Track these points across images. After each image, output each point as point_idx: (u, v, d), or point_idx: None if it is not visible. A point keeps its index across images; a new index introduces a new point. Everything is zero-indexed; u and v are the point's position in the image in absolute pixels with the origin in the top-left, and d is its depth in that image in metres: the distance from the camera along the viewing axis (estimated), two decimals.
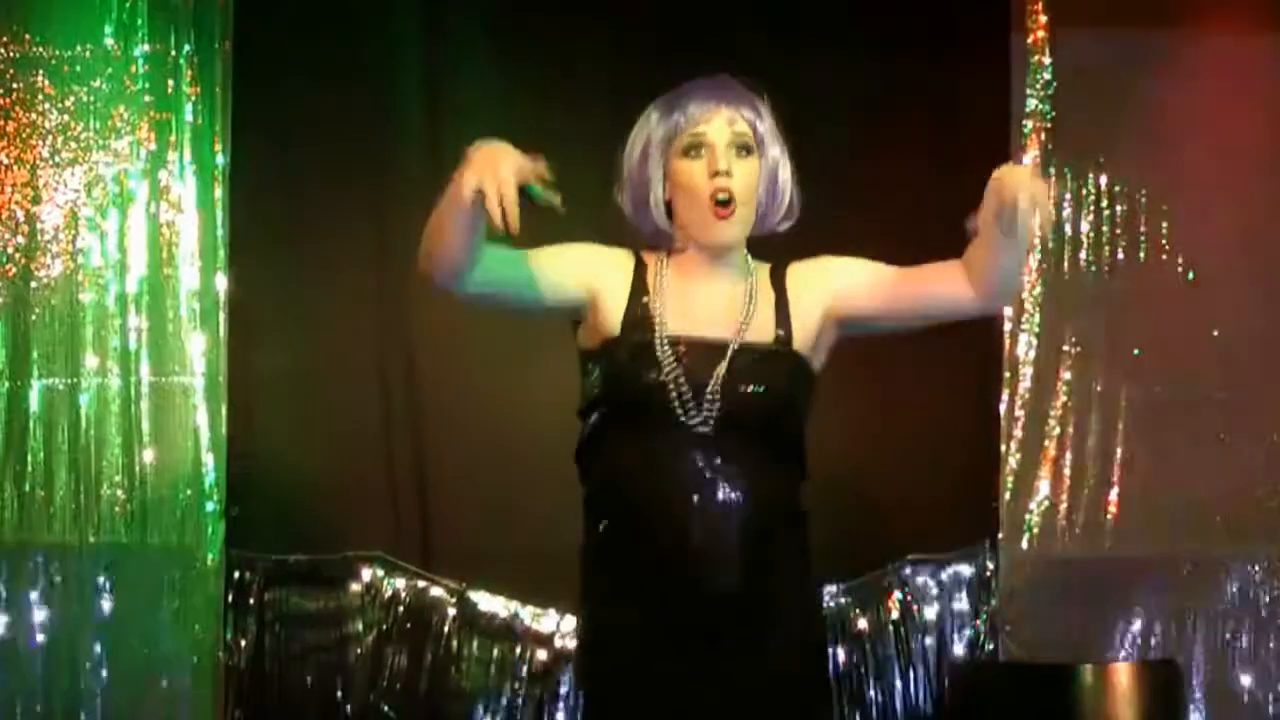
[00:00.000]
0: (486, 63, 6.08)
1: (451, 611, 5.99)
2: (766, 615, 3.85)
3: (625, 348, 3.84)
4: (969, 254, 3.83)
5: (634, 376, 3.81)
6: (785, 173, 3.94)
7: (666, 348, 3.81)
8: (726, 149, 3.82)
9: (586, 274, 3.92)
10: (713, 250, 3.87)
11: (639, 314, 3.87)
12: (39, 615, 5.82)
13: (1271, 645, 6.22)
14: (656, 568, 3.79)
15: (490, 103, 6.02)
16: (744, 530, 3.80)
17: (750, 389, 3.81)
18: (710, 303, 3.88)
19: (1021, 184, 3.59)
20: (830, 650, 6.03)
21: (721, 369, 3.80)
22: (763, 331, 3.88)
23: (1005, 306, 4.26)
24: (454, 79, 6.07)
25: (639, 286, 3.91)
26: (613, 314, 3.87)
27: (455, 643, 5.98)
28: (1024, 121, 6.16)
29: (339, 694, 5.95)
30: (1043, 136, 6.17)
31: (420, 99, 6.07)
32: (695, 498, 3.78)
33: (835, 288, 3.95)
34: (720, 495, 3.78)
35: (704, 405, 3.78)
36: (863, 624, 6.11)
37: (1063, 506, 6.17)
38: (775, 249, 4.00)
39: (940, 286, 3.92)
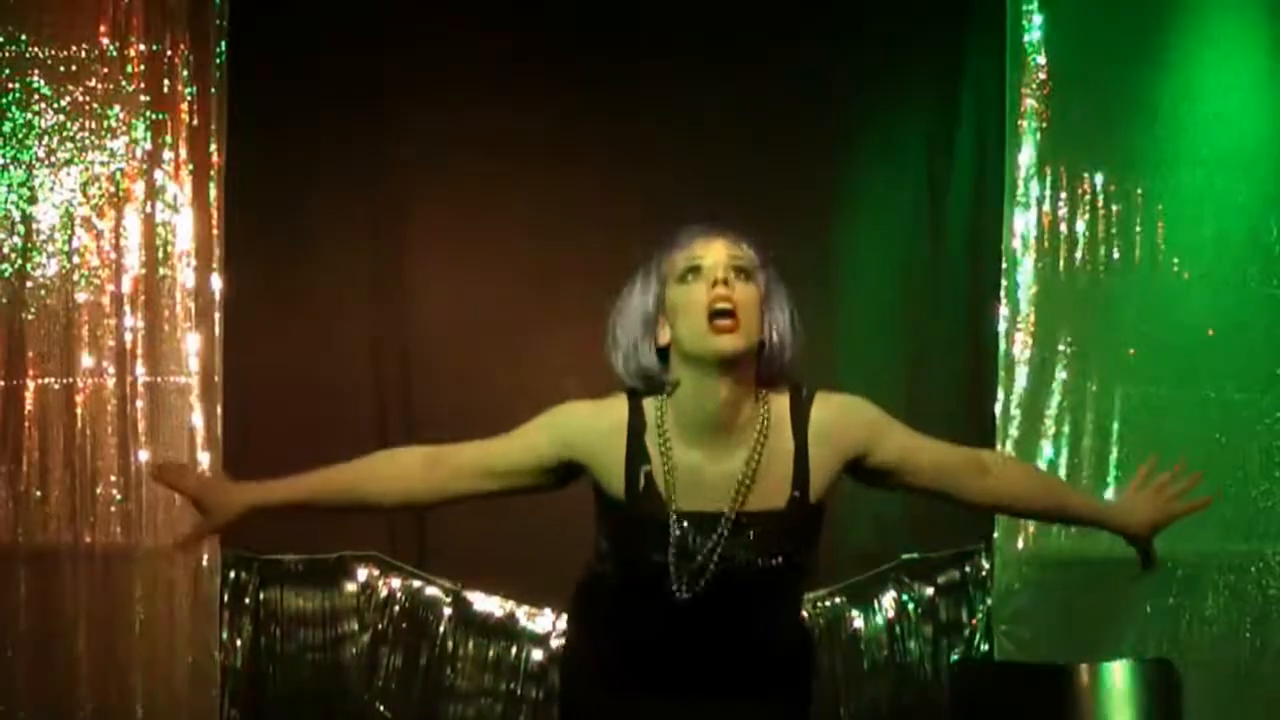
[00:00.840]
0: (483, 62, 6.11)
1: (447, 611, 6.05)
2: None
3: (632, 523, 3.72)
4: (1041, 486, 4.08)
5: (640, 553, 3.69)
6: (784, 321, 3.76)
7: (673, 524, 3.67)
8: (725, 269, 3.68)
9: (568, 448, 3.77)
10: (714, 377, 3.67)
11: (642, 483, 3.71)
12: (36, 615, 5.83)
13: (1264, 641, 6.18)
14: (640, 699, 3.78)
15: (484, 104, 6.08)
16: (735, 685, 3.77)
17: (759, 561, 3.69)
18: (717, 464, 3.71)
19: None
20: (822, 653, 6.04)
21: (728, 540, 3.67)
22: (776, 493, 3.70)
23: None
24: (447, 79, 6.11)
25: (636, 444, 3.74)
26: (613, 477, 3.74)
27: (451, 642, 6.03)
28: (1020, 121, 6.13)
29: (334, 693, 6.01)
30: (1038, 135, 6.14)
31: (415, 99, 6.12)
32: (682, 659, 3.73)
33: (863, 447, 3.81)
34: (711, 656, 3.73)
35: (703, 578, 3.67)
36: (858, 624, 6.16)
37: None
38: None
39: (956, 479, 3.86)
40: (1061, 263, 6.16)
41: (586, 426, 3.75)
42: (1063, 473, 6.11)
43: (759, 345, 3.69)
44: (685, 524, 3.65)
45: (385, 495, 3.80)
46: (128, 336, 5.86)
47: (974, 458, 3.87)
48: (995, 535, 6.11)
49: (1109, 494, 6.09)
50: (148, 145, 5.87)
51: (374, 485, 3.81)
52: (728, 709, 3.77)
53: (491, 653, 5.99)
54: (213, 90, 5.88)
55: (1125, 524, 3.97)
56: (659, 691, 3.77)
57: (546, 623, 5.94)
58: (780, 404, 3.72)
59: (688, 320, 3.66)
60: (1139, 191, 6.19)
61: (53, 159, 5.85)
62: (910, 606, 6.19)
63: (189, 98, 5.88)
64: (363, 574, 6.04)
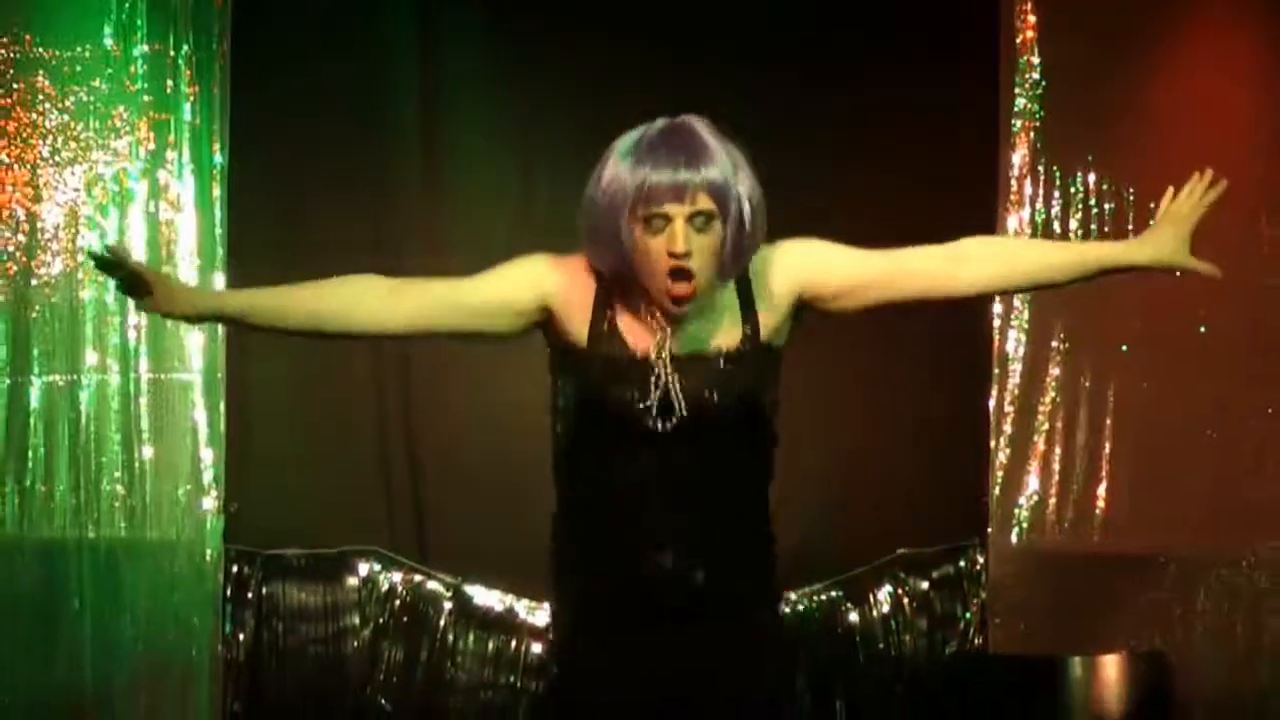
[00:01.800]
0: (481, 63, 6.14)
1: (448, 605, 6.08)
2: (731, 609, 3.88)
3: (595, 362, 3.82)
4: (1017, 250, 4.01)
5: (604, 392, 3.81)
6: (751, 216, 3.81)
7: (642, 363, 3.80)
8: (686, 226, 3.73)
9: (539, 288, 3.86)
10: None
11: (605, 327, 3.84)
12: (41, 607, 5.86)
13: (1256, 636, 6.23)
14: (624, 565, 3.82)
15: (483, 102, 6.11)
16: (708, 530, 3.83)
17: (717, 398, 3.79)
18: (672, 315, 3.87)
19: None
20: (818, 646, 6.16)
21: (690, 379, 3.80)
22: (729, 334, 3.85)
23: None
24: (448, 80, 6.14)
25: (602, 293, 3.85)
26: (578, 324, 3.84)
27: (451, 636, 6.07)
28: (1013, 121, 6.22)
29: (336, 687, 6.04)
30: (1031, 135, 6.23)
31: (415, 99, 6.13)
32: (661, 504, 3.80)
33: (805, 275, 3.89)
34: (687, 499, 3.80)
35: (672, 416, 3.78)
36: (854, 617, 6.21)
37: (1051, 501, 6.24)
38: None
39: (947, 283, 3.88)
40: None
41: (559, 273, 3.84)
42: (1055, 467, 6.23)
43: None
44: (650, 362, 3.77)
45: (345, 318, 3.79)
46: (131, 334, 5.89)
47: (952, 251, 3.87)
48: (989, 530, 6.19)
49: (1100, 489, 6.27)
50: (151, 145, 5.91)
51: (335, 304, 3.78)
52: (704, 619, 3.86)
53: (491, 646, 6.02)
54: (215, 90, 5.92)
55: (1151, 251, 3.82)
56: (645, 570, 3.82)
57: (546, 616, 5.95)
58: None
59: (646, 268, 3.75)
60: (1131, 191, 6.24)
61: (57, 158, 5.88)
62: (905, 600, 6.23)
63: (191, 98, 5.92)
64: (364, 569, 6.07)
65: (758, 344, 3.80)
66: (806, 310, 3.88)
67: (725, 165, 3.73)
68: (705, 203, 3.68)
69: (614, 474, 3.83)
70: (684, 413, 3.76)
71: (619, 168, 3.74)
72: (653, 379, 3.76)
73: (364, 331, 3.80)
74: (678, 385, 3.77)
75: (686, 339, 3.80)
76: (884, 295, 3.85)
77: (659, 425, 3.77)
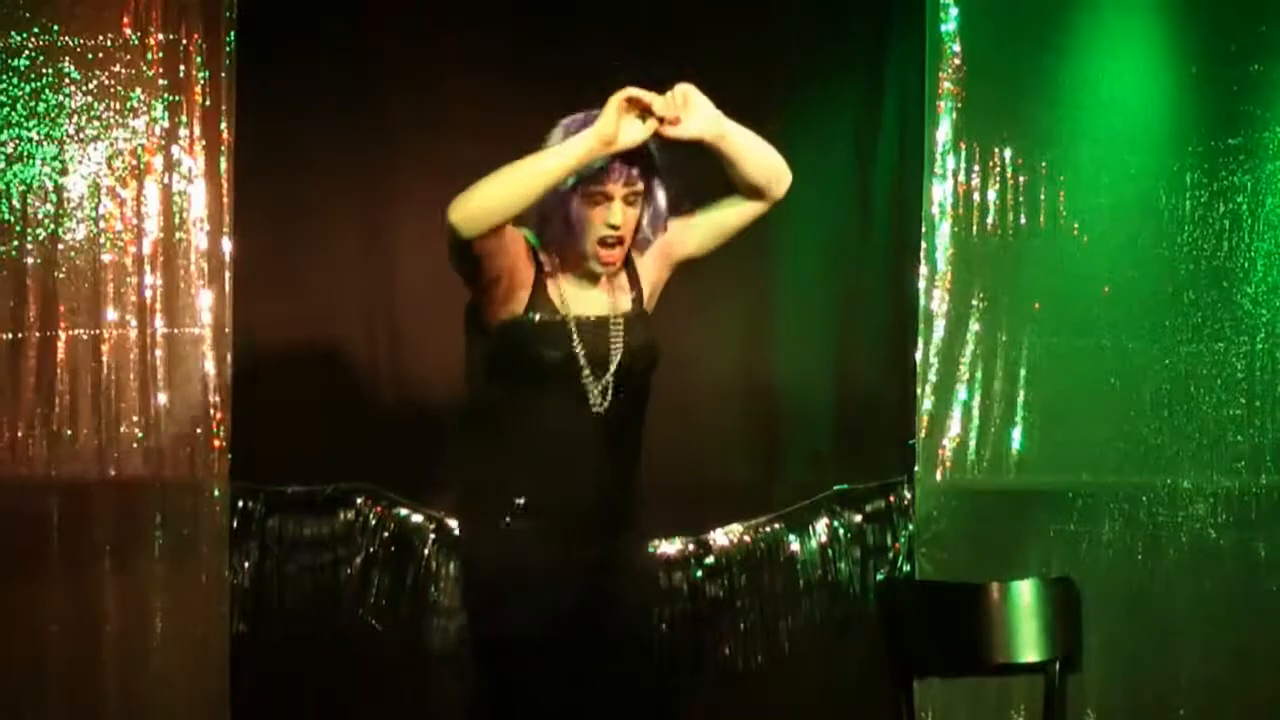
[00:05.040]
0: (484, 45, 6.18)
1: (431, 536, 6.20)
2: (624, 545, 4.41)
3: (534, 326, 4.27)
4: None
5: (542, 351, 4.26)
6: (662, 195, 4.39)
7: (570, 325, 4.27)
8: (620, 203, 4.27)
9: (515, 247, 4.29)
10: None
11: (542, 294, 4.30)
12: (67, 540, 6.01)
13: (1155, 563, 6.51)
14: (539, 504, 4.26)
15: (486, 84, 6.18)
16: (620, 481, 4.35)
17: (631, 353, 4.33)
18: (588, 280, 4.36)
19: (687, 121, 4.21)
20: (763, 572, 6.41)
21: (610, 339, 4.30)
22: (624, 299, 4.38)
23: (784, 189, 4.60)
24: (451, 62, 6.20)
25: (538, 266, 4.32)
26: (521, 289, 4.28)
27: (434, 564, 6.18)
28: (938, 101, 6.36)
29: (331, 609, 6.18)
30: (954, 115, 6.36)
31: (414, 82, 6.21)
32: (577, 449, 4.28)
33: (667, 244, 4.47)
34: (595, 445, 4.30)
35: (604, 374, 4.27)
36: (795, 548, 6.40)
37: (972, 443, 6.40)
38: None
39: (731, 210, 4.50)
40: (975, 227, 6.42)
41: (521, 240, 4.33)
42: (975, 413, 6.41)
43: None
44: (578, 325, 4.27)
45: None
46: (148, 293, 6.01)
47: (723, 204, 4.53)
48: (917, 469, 6.36)
49: (1016, 432, 6.45)
50: (165, 124, 6.00)
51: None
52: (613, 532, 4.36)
53: None
54: (223, 74, 6.00)
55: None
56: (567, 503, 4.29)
57: None
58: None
59: (585, 236, 4.29)
60: (1043, 164, 6.44)
61: (81, 136, 5.98)
62: (841, 532, 6.42)
63: (202, 81, 6.01)
64: (357, 503, 6.19)
65: (641, 309, 4.34)
66: (668, 272, 4.46)
67: (653, 151, 4.25)
68: (637, 184, 4.21)
69: (532, 423, 4.23)
70: (595, 368, 4.24)
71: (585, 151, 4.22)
72: (576, 339, 4.22)
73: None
74: (592, 343, 4.25)
75: (596, 304, 4.29)
76: (714, 238, 4.49)
77: (579, 379, 4.23)
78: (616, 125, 4.11)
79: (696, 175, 4.58)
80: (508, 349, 4.32)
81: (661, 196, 4.42)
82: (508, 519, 4.24)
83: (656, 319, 4.53)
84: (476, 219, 4.06)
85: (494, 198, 4.07)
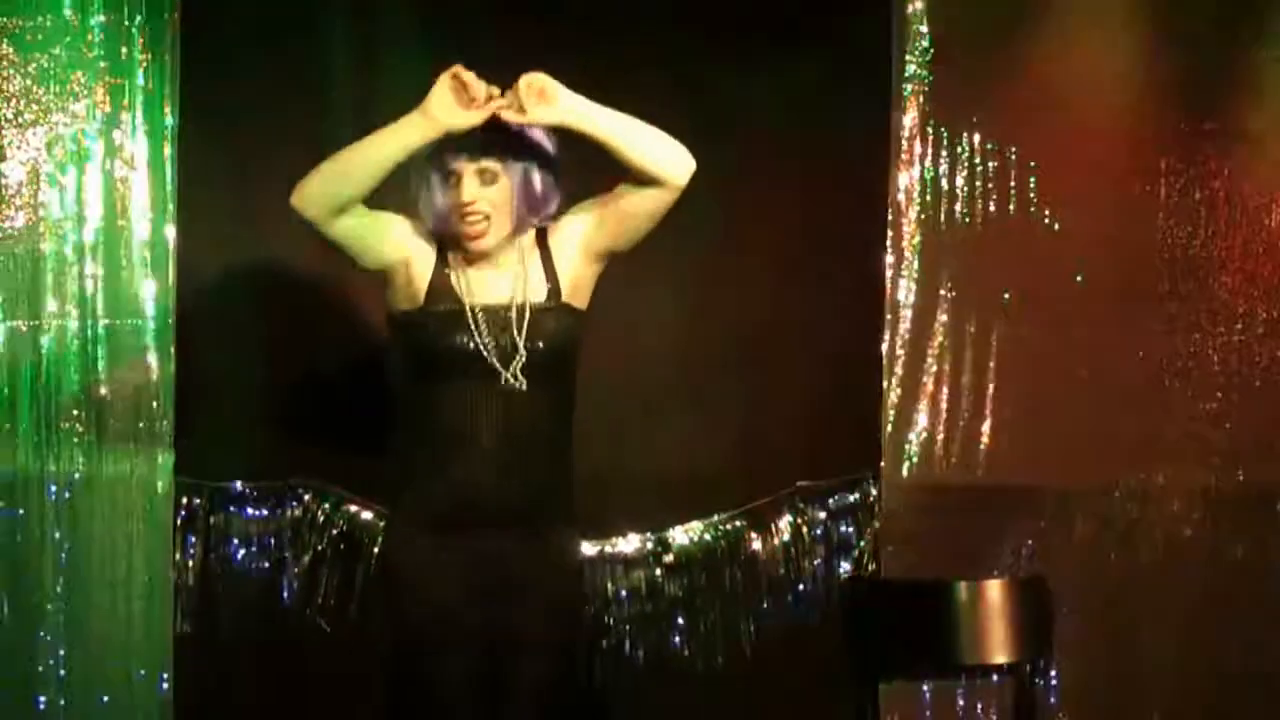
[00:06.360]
0: (426, 30, 6.09)
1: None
2: (537, 536, 4.43)
3: (434, 316, 4.37)
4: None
5: (443, 341, 4.34)
6: (540, 177, 4.45)
7: (470, 315, 4.35)
8: (472, 179, 4.36)
9: (409, 240, 4.44)
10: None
11: (443, 285, 4.41)
12: (6, 537, 5.95)
13: (1128, 562, 6.48)
14: (454, 488, 4.35)
15: (428, 68, 6.15)
16: (527, 468, 4.38)
17: (539, 344, 4.37)
18: (494, 271, 4.43)
19: (534, 109, 4.32)
20: (724, 571, 6.31)
21: (514, 328, 4.35)
22: (536, 292, 4.43)
23: (682, 175, 4.55)
24: (393, 46, 6.11)
25: (441, 258, 4.44)
26: (420, 281, 4.41)
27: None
28: (904, 85, 6.31)
29: (277, 608, 6.13)
30: (921, 99, 6.32)
31: (358, 65, 6.12)
32: (486, 434, 4.34)
33: (582, 236, 4.51)
34: (515, 436, 4.36)
35: (510, 364, 4.33)
36: (757, 545, 6.33)
37: (939, 437, 6.36)
38: None
39: (633, 198, 4.52)
40: (942, 215, 6.36)
41: (419, 233, 4.45)
42: (943, 406, 6.36)
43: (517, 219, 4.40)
44: (480, 314, 4.35)
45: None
46: (89, 283, 5.94)
47: (621, 193, 4.56)
48: (882, 464, 6.31)
49: (984, 426, 6.40)
50: (107, 108, 5.92)
51: None
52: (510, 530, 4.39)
53: None
54: (166, 57, 5.91)
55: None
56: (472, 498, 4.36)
57: None
58: (529, 235, 4.49)
59: (451, 217, 4.39)
60: (1013, 150, 6.38)
61: (20, 120, 5.89)
62: (805, 529, 6.34)
63: (145, 64, 5.92)
64: (305, 499, 6.12)
65: (559, 301, 4.39)
66: (596, 265, 4.53)
67: (509, 132, 4.31)
68: (487, 161, 4.31)
69: (446, 410, 4.33)
70: (501, 358, 4.31)
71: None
72: (476, 328, 4.30)
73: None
74: (496, 333, 4.32)
75: (501, 294, 4.37)
76: (629, 229, 4.54)
77: (486, 367, 4.31)
78: (441, 102, 4.26)
79: (600, 165, 4.62)
80: (411, 340, 4.44)
81: (538, 179, 4.50)
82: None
83: (595, 311, 4.64)
84: (315, 200, 4.29)
85: (331, 179, 4.31)
